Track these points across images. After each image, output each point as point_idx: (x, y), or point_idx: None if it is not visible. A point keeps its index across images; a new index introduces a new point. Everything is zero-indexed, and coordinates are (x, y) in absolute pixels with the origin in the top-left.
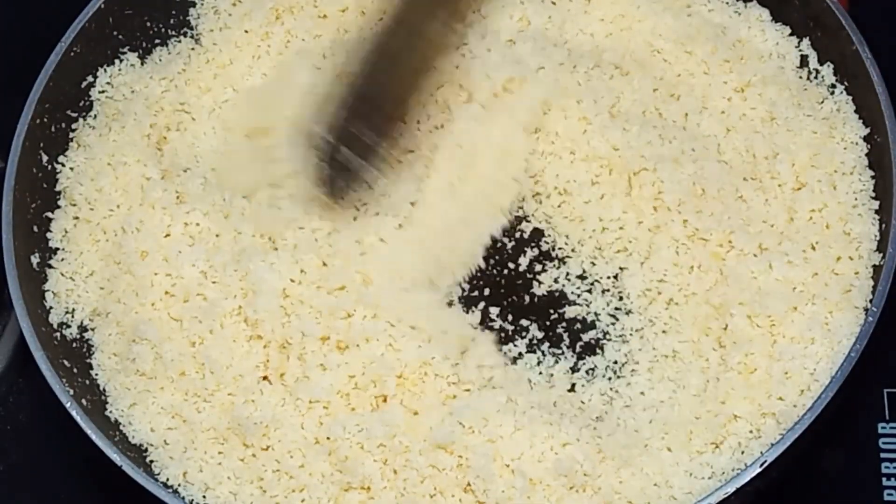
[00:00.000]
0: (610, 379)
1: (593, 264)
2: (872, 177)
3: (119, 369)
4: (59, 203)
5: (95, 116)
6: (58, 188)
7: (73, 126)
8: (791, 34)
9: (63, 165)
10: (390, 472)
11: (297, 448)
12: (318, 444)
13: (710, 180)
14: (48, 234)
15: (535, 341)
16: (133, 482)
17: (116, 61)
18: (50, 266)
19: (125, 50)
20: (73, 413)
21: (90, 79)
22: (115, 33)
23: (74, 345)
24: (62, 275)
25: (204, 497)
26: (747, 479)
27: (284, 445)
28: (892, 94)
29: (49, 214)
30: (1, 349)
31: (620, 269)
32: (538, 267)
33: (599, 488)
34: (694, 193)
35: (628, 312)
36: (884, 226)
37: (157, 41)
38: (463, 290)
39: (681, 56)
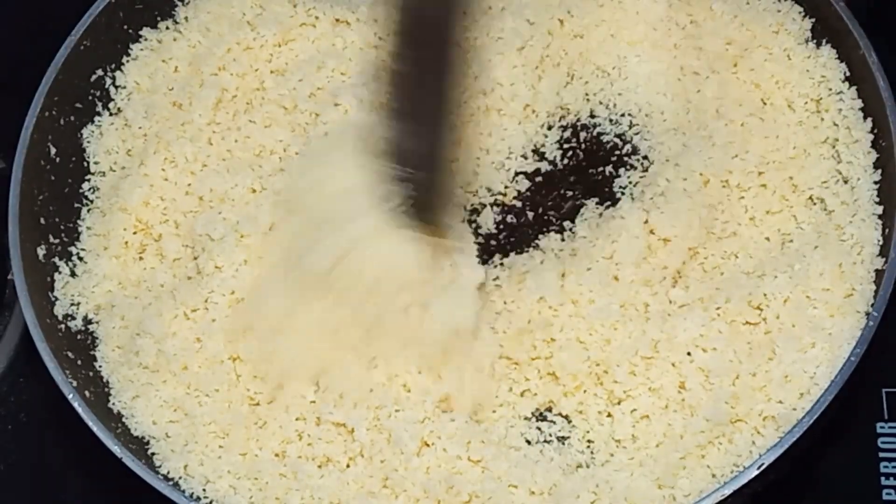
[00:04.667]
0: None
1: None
2: (877, 181)
3: (122, 362)
4: (67, 195)
5: (104, 109)
6: (65, 181)
7: (83, 119)
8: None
9: (71, 158)
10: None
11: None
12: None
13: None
14: (55, 227)
15: None
16: (133, 479)
17: (126, 55)
18: (56, 258)
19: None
20: (76, 405)
21: (99, 72)
22: (125, 27)
23: (79, 336)
24: (68, 267)
25: (204, 490)
26: (745, 481)
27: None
28: None
29: (56, 207)
30: (1, 349)
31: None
32: None
33: (597, 485)
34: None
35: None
36: (887, 230)
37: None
38: None
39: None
